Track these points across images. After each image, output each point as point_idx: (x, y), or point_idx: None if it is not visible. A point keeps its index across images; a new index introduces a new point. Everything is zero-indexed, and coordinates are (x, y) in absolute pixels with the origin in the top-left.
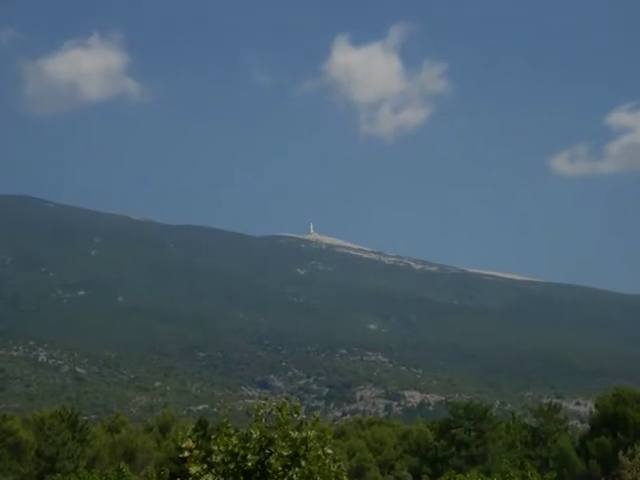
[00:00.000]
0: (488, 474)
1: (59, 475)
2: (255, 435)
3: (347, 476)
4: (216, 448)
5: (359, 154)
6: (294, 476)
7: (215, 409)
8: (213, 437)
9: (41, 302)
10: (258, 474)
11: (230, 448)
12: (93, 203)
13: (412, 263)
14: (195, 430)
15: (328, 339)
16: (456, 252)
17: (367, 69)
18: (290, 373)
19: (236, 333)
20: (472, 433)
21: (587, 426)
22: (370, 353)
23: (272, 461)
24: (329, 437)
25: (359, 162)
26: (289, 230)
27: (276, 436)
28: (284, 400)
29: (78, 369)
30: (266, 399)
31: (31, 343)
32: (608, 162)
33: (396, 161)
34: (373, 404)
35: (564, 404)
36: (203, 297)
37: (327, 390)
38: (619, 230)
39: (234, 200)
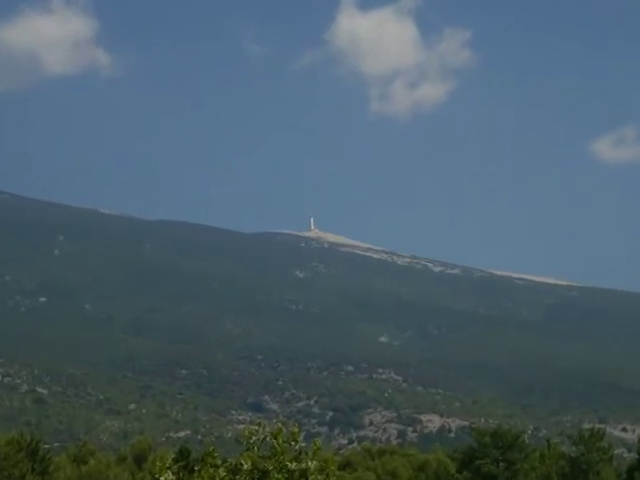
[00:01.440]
0: None
1: None
2: (246, 466)
3: None
4: None
5: (368, 137)
6: None
7: (199, 436)
8: (197, 469)
9: None
10: None
11: None
12: (56, 194)
13: (430, 265)
14: (176, 461)
15: (332, 354)
16: (481, 252)
17: (377, 37)
18: (287, 394)
19: (224, 346)
20: (500, 464)
21: (635, 455)
22: (381, 370)
23: None
24: (333, 469)
25: (368, 146)
26: (286, 226)
27: (271, 467)
28: (280, 425)
29: (39, 389)
30: (259, 424)
31: None
32: None
33: (411, 144)
34: (384, 430)
35: (608, 430)
36: (185, 304)
37: (331, 414)
38: None
39: (222, 191)
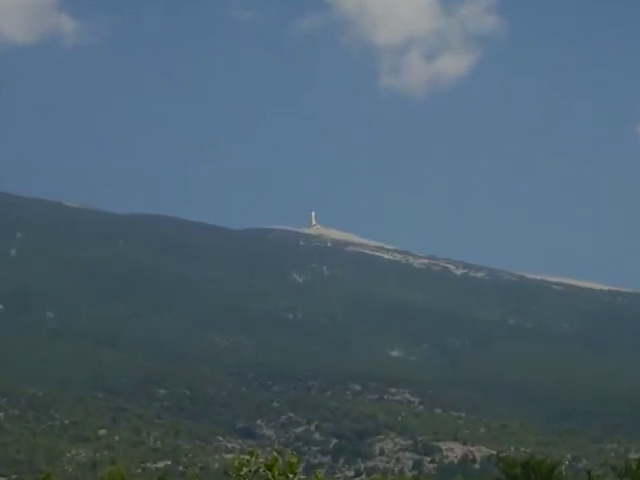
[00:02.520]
0: None
1: None
2: None
3: None
4: None
5: (377, 117)
6: None
7: (181, 467)
8: None
9: None
10: None
11: None
12: (13, 185)
13: (451, 266)
14: None
15: (336, 371)
16: (511, 252)
17: (389, 1)
18: (284, 417)
19: (210, 362)
20: None
21: None
22: (393, 390)
23: None
24: None
25: (377, 128)
26: (283, 222)
27: None
28: (275, 455)
29: None
30: (251, 453)
31: None
32: None
33: (428, 126)
34: (397, 460)
35: None
36: (165, 313)
37: (335, 441)
38: None
39: (208, 181)
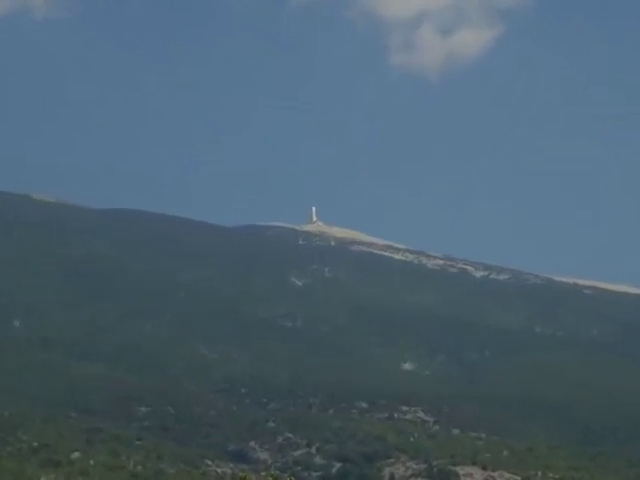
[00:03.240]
0: None
1: None
2: None
3: None
4: None
5: (387, 99)
6: None
7: None
8: None
9: None
10: None
11: None
12: None
13: (470, 268)
14: None
15: (340, 386)
16: (537, 251)
17: None
18: (281, 439)
19: (197, 376)
20: None
21: None
22: (405, 408)
23: None
24: None
25: (386, 112)
26: (280, 218)
27: None
28: None
29: None
30: (244, 479)
31: None
32: None
33: (444, 110)
34: None
35: None
36: (146, 321)
37: (338, 465)
38: None
39: (197, 172)
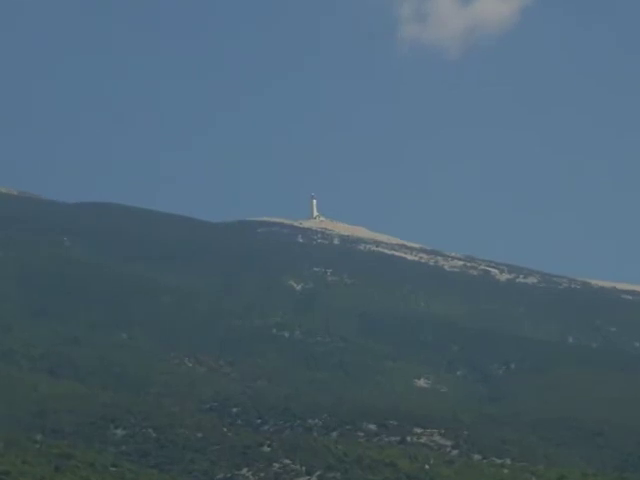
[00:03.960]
0: None
1: None
2: None
3: None
4: None
5: (397, 76)
6: None
7: None
8: None
9: None
10: None
11: None
12: None
13: (493, 270)
14: None
15: (345, 405)
16: (570, 251)
17: None
18: (277, 465)
19: (181, 395)
20: None
21: None
22: (419, 430)
23: None
24: None
25: (398, 92)
26: (275, 212)
27: None
28: None
29: None
30: None
31: None
32: None
33: (463, 89)
34: None
35: None
36: (123, 331)
37: None
38: None
39: (179, 160)
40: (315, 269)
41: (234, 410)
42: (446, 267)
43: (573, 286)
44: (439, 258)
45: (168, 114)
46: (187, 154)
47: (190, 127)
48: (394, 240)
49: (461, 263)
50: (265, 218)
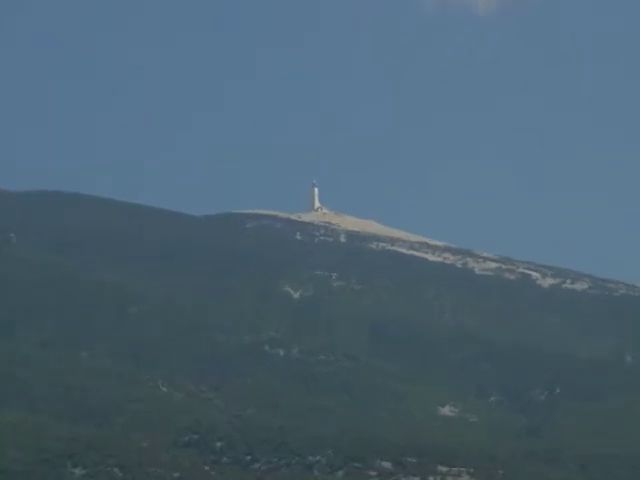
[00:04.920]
0: None
1: None
2: None
3: None
4: None
5: (420, 41)
6: None
7: None
8: None
9: None
10: None
11: None
12: None
13: (534, 274)
14: None
15: (352, 439)
16: (627, 251)
17: None
18: None
19: (154, 425)
20: None
21: None
22: (444, 469)
23: None
24: None
25: (421, 59)
26: (267, 203)
27: None
28: None
29: None
30: None
31: None
32: None
33: (498, 52)
34: None
35: None
36: (82, 349)
37: None
38: None
39: (158, 146)
40: (317, 272)
41: (218, 445)
42: (477, 270)
43: (632, 294)
44: (468, 259)
45: (142, 92)
46: (167, 142)
47: (169, 113)
48: (413, 237)
49: (495, 265)
50: (255, 210)
